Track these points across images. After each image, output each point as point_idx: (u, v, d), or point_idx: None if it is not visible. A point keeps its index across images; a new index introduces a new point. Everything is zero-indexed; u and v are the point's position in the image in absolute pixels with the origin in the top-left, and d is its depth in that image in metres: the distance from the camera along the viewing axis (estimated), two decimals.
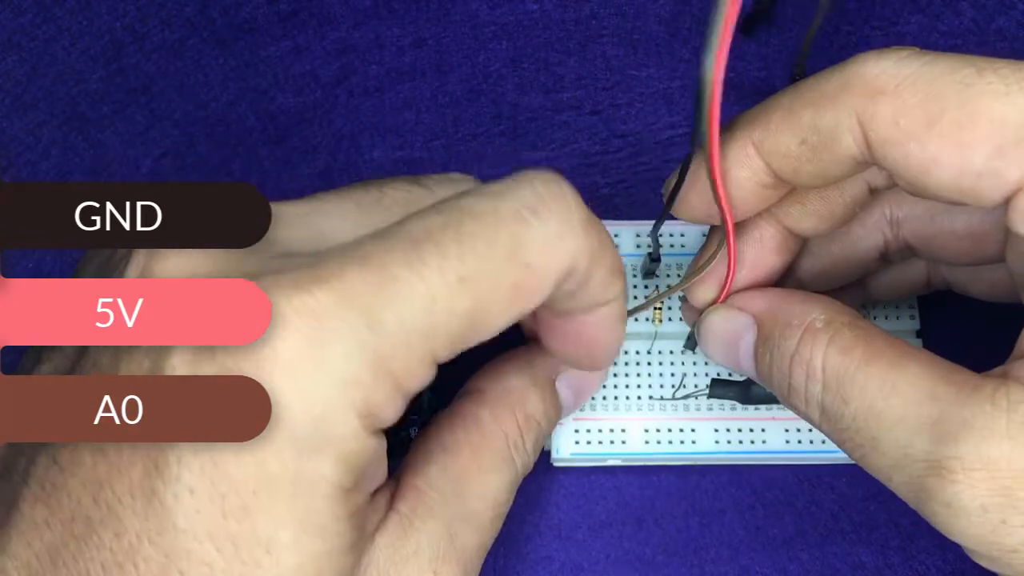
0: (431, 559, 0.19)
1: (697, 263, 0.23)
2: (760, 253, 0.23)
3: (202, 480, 0.16)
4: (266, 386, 0.16)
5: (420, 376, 0.17)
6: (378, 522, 0.19)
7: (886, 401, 0.19)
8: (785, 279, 0.24)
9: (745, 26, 0.27)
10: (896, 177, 0.19)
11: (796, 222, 0.23)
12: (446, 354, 0.18)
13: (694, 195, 0.22)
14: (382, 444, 0.18)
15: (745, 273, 0.23)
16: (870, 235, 0.24)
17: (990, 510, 0.18)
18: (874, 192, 0.22)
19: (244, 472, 0.16)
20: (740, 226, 0.22)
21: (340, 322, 0.16)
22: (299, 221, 0.19)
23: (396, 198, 0.20)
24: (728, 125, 0.21)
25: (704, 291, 0.23)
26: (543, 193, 0.18)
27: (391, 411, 0.17)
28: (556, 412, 0.24)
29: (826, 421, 0.20)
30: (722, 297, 0.23)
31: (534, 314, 0.23)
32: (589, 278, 0.19)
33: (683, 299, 0.26)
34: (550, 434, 0.24)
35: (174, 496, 0.16)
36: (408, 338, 0.17)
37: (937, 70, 0.18)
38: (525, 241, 0.17)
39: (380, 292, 0.16)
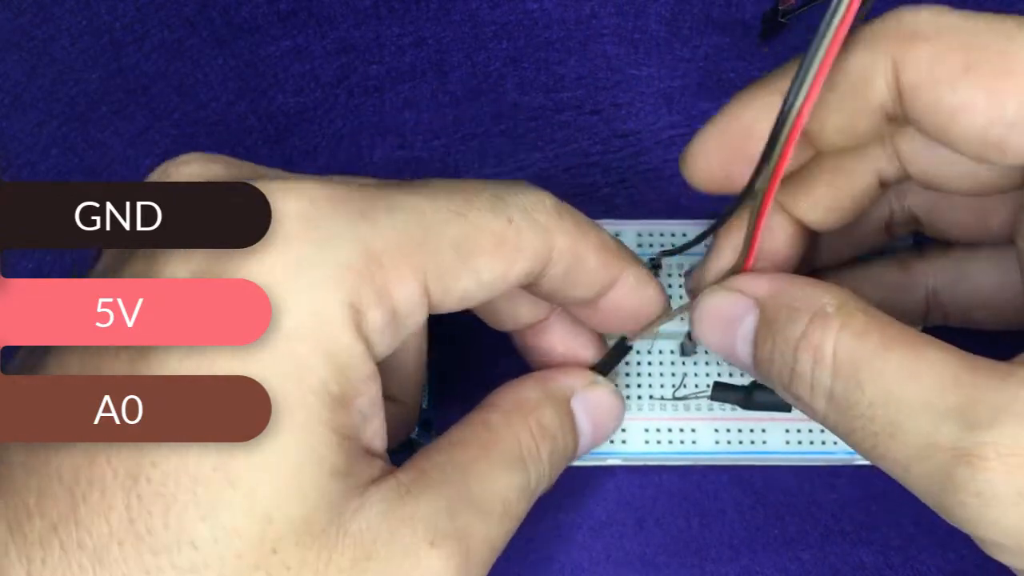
0: (428, 529, 0.18)
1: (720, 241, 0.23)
2: (772, 245, 0.22)
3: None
4: (263, 283, 0.17)
5: (410, 291, 0.18)
6: (373, 478, 0.18)
7: (907, 387, 0.18)
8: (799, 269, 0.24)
9: (763, 33, 0.27)
10: (922, 125, 0.19)
11: (805, 213, 0.22)
12: (436, 284, 0.18)
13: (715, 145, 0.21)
14: (371, 363, 0.18)
15: (756, 265, 0.22)
16: (877, 206, 0.24)
17: None
18: (884, 185, 0.22)
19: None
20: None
21: (335, 214, 0.18)
22: None
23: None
24: (754, 82, 0.21)
25: (718, 268, 0.23)
26: (518, 185, 0.20)
27: (379, 318, 0.18)
28: (572, 432, 0.23)
29: (834, 410, 0.19)
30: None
31: (530, 331, 0.24)
32: (581, 259, 0.20)
33: (687, 274, 0.26)
34: (569, 457, 0.23)
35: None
36: (399, 240, 0.18)
37: (978, 22, 0.18)
38: (507, 203, 0.19)
39: (375, 201, 0.18)
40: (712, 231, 0.22)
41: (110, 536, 0.16)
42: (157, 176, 0.20)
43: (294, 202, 0.18)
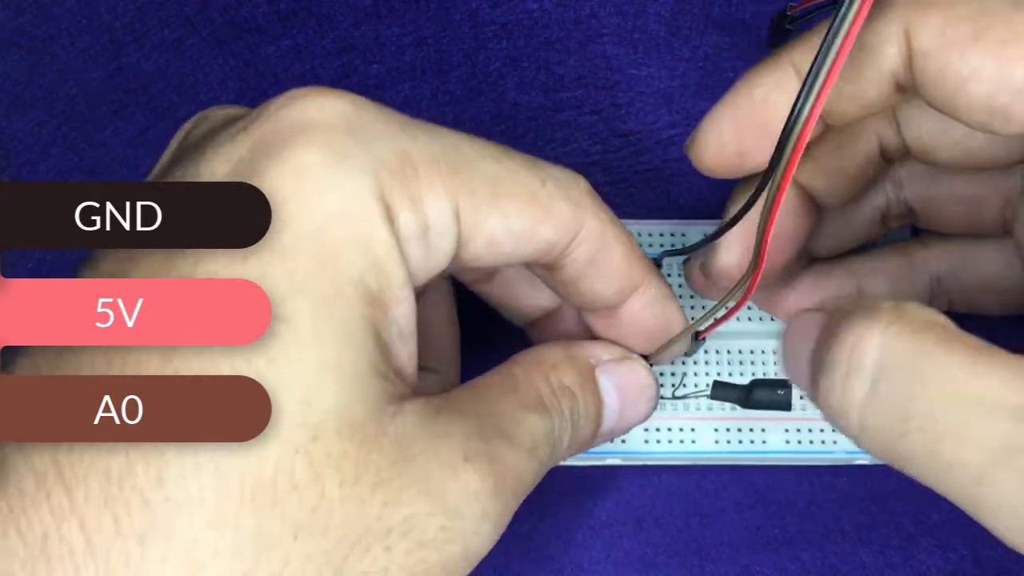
0: (463, 444, 0.18)
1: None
2: (780, 214, 0.22)
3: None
4: (300, 166, 0.17)
5: (442, 206, 0.18)
6: (404, 396, 0.18)
7: (978, 383, 0.16)
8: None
9: (770, 39, 0.27)
10: (929, 92, 0.19)
11: (811, 179, 0.22)
12: (468, 212, 0.18)
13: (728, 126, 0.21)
14: (405, 269, 0.18)
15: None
16: (874, 195, 0.24)
17: None
18: (884, 154, 0.22)
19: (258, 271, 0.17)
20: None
21: (376, 120, 0.18)
22: None
23: None
24: (763, 60, 0.21)
25: (728, 255, 0.23)
26: (556, 165, 0.20)
27: (411, 224, 0.18)
28: (594, 396, 0.22)
29: (878, 414, 0.17)
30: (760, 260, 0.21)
31: (547, 319, 0.24)
32: (608, 247, 0.20)
33: (686, 262, 0.26)
34: (593, 423, 0.22)
35: None
36: (436, 156, 0.18)
37: None
38: (542, 168, 0.20)
39: (417, 123, 0.19)
40: (727, 228, 0.22)
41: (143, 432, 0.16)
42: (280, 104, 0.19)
43: (338, 102, 0.18)
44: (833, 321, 0.18)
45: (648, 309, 0.22)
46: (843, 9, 0.17)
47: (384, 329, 0.17)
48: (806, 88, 0.18)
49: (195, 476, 0.16)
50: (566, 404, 0.21)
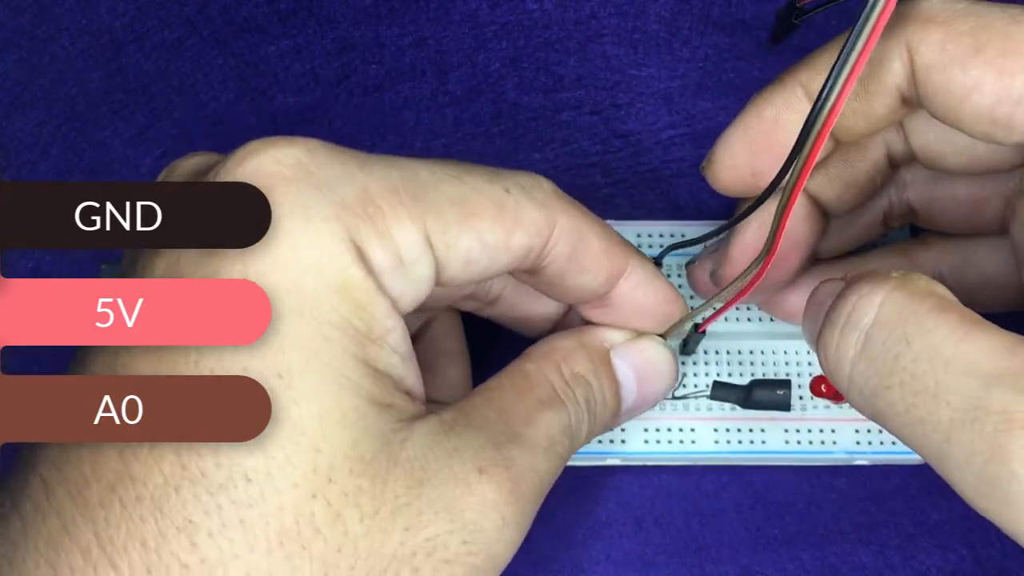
0: (475, 458, 0.18)
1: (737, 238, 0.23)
2: (790, 225, 0.22)
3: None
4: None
5: (411, 236, 0.18)
6: (414, 415, 0.19)
7: (959, 347, 0.17)
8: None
9: (773, 37, 0.27)
10: (933, 105, 0.20)
11: (821, 189, 0.23)
12: (438, 236, 0.18)
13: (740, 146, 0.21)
14: (387, 301, 0.18)
15: (779, 244, 0.23)
16: (878, 198, 0.25)
17: None
18: (891, 161, 0.23)
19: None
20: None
21: (331, 162, 0.18)
22: None
23: None
24: (772, 81, 0.22)
25: (740, 257, 0.23)
26: (515, 170, 0.20)
27: (383, 259, 0.18)
28: (609, 380, 0.23)
29: (867, 364, 0.18)
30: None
31: (561, 324, 0.24)
32: (584, 239, 0.20)
33: (689, 264, 0.26)
34: (611, 408, 0.22)
35: None
36: (396, 187, 0.18)
37: (986, 7, 0.19)
38: (503, 177, 0.20)
39: (371, 157, 0.19)
40: (730, 226, 0.22)
41: (165, 484, 0.16)
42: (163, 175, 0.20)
43: (292, 151, 0.18)
44: (847, 286, 0.19)
45: (639, 289, 0.22)
46: (859, 26, 0.18)
47: (379, 361, 0.18)
48: (829, 84, 0.18)
49: (223, 534, 0.16)
50: (581, 394, 0.22)
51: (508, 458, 0.19)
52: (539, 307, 0.24)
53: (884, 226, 0.26)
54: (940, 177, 0.24)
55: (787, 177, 0.19)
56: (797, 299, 0.25)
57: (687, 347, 0.26)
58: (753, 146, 0.21)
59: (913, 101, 0.20)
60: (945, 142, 0.22)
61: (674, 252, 0.27)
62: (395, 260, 0.18)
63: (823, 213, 0.24)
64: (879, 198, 0.25)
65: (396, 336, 0.18)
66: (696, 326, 0.25)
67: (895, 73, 0.20)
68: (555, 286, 0.22)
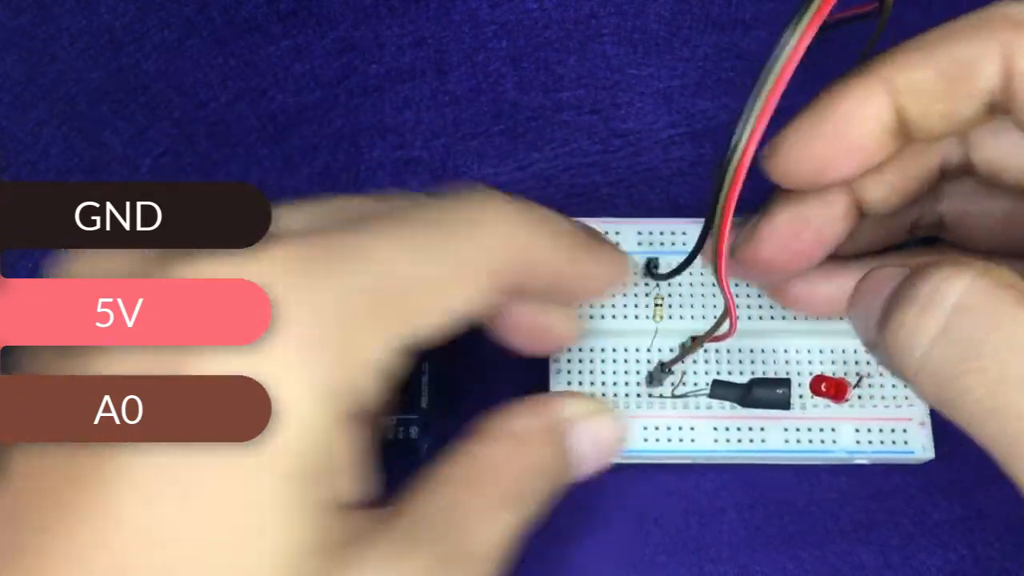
0: None
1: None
2: (826, 216, 0.22)
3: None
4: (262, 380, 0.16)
5: (386, 350, 0.18)
6: (352, 537, 0.18)
7: None
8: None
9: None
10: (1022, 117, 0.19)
11: (869, 190, 0.22)
12: (410, 332, 0.18)
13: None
14: (346, 432, 0.18)
15: (809, 235, 0.23)
16: (914, 205, 0.24)
17: None
18: (943, 173, 0.22)
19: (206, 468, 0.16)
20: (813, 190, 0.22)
21: (307, 284, 0.17)
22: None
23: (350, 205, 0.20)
24: (859, 67, 0.21)
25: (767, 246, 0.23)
26: (473, 206, 0.20)
27: (361, 383, 0.17)
28: (570, 465, 0.22)
29: (944, 351, 0.17)
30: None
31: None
32: (549, 269, 0.20)
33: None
34: (566, 487, 0.22)
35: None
36: (368, 301, 0.17)
37: None
38: (448, 235, 0.19)
39: (342, 255, 0.17)
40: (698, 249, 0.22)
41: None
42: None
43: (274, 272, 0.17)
44: (919, 270, 0.18)
45: (601, 265, 0.22)
46: (770, 63, 0.17)
47: (323, 495, 0.17)
48: (739, 130, 0.18)
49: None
50: (544, 487, 0.21)
51: None
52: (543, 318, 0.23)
53: (908, 233, 0.25)
54: (980, 192, 0.23)
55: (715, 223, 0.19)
56: (806, 287, 0.25)
57: (652, 382, 0.26)
58: (825, 138, 0.20)
59: (999, 108, 0.19)
60: (1013, 157, 0.21)
61: (672, 252, 0.27)
62: (371, 378, 0.18)
63: (860, 211, 0.23)
64: (914, 206, 0.24)
65: (344, 455, 0.18)
66: (663, 364, 0.25)
67: (988, 78, 0.19)
68: (553, 298, 0.21)
